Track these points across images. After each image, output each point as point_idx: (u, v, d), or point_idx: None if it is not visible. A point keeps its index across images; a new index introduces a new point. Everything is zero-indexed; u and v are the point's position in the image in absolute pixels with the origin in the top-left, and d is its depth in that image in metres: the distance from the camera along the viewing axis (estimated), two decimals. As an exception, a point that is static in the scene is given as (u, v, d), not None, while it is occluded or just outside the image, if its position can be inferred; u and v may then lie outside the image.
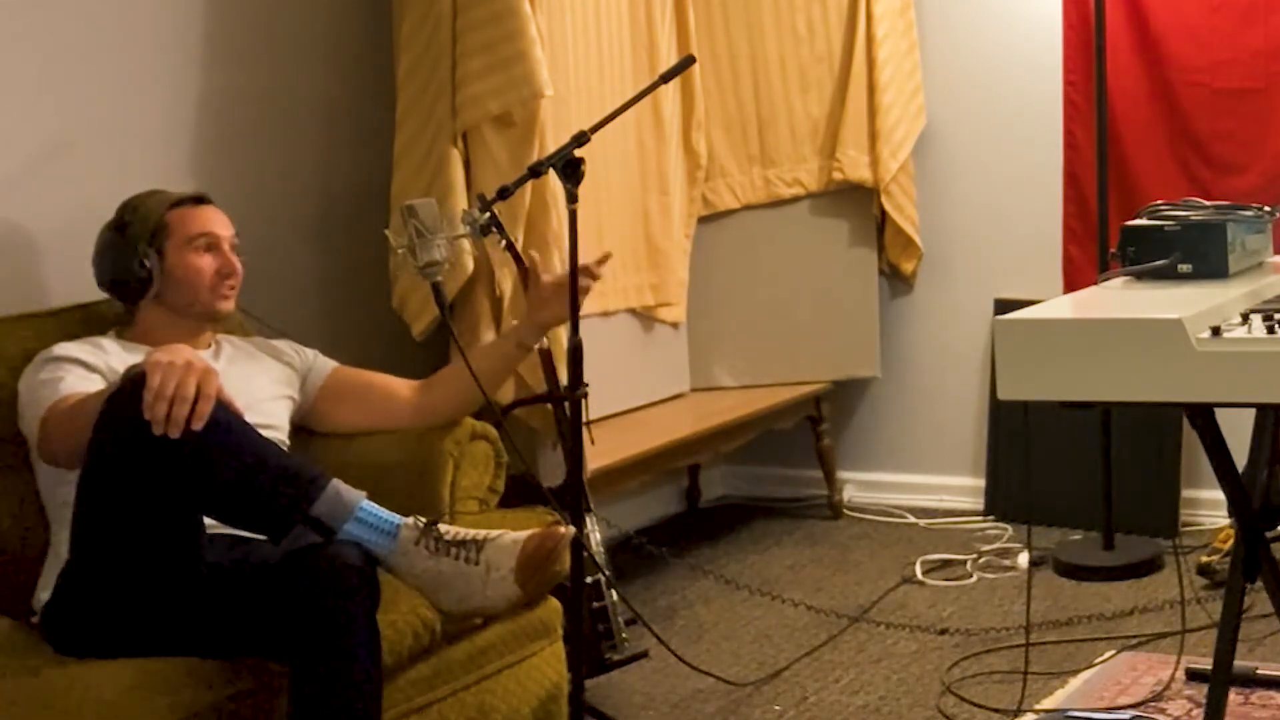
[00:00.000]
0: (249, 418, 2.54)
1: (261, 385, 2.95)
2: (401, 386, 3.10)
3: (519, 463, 3.13)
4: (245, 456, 2.42)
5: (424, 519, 2.53)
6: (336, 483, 2.47)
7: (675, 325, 4.70)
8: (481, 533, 2.53)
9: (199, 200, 2.94)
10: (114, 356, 2.77)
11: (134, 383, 2.37)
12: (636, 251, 4.49)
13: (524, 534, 2.52)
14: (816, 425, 4.87)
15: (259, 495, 2.43)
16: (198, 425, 2.34)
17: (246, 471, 2.41)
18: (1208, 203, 2.51)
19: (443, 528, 2.53)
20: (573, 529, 2.61)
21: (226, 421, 2.42)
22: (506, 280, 3.70)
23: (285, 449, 2.76)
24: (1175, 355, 1.95)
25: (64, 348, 2.76)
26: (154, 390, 2.32)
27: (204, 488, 2.40)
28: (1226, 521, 4.00)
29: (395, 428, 3.06)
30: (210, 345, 2.96)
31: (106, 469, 2.42)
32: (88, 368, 2.72)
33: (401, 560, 2.49)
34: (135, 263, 2.84)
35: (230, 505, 2.45)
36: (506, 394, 3.65)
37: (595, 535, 3.30)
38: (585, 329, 2.95)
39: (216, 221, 2.93)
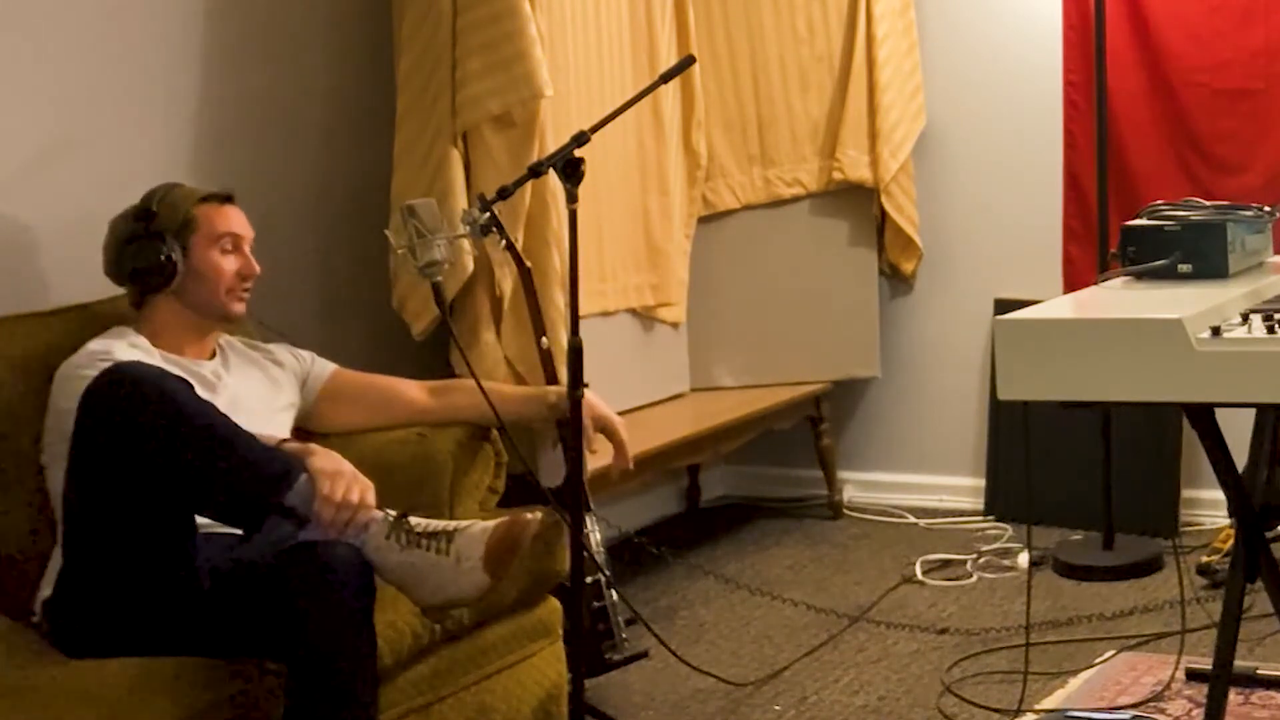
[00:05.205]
0: (258, 429, 2.54)
1: (269, 396, 2.95)
2: (407, 387, 3.10)
3: (519, 463, 3.13)
4: (216, 447, 2.42)
5: (394, 512, 2.54)
6: (309, 474, 2.49)
7: (675, 325, 4.70)
8: (451, 524, 2.56)
9: (226, 199, 2.94)
10: (158, 361, 2.72)
11: (109, 378, 2.41)
12: (636, 251, 4.49)
13: (492, 523, 2.55)
14: (816, 425, 4.87)
15: (230, 486, 2.43)
16: (353, 533, 2.48)
17: (217, 462, 2.41)
18: (1208, 203, 2.51)
19: (413, 520, 2.55)
20: (539, 516, 2.62)
21: (197, 412, 2.43)
22: (506, 280, 3.70)
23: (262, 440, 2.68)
24: (1175, 355, 1.95)
25: (116, 349, 2.71)
26: (325, 496, 2.45)
27: (175, 480, 2.40)
28: (1226, 521, 4.00)
29: (393, 425, 3.06)
30: (214, 352, 2.95)
31: (91, 469, 2.43)
32: None
33: (375, 555, 2.50)
34: (160, 254, 2.82)
35: (202, 497, 2.44)
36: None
37: (595, 535, 3.30)
38: (585, 329, 2.95)
39: (240, 222, 2.93)
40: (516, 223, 3.62)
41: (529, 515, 2.58)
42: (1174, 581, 3.59)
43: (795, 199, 4.85)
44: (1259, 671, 3.19)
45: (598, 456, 3.11)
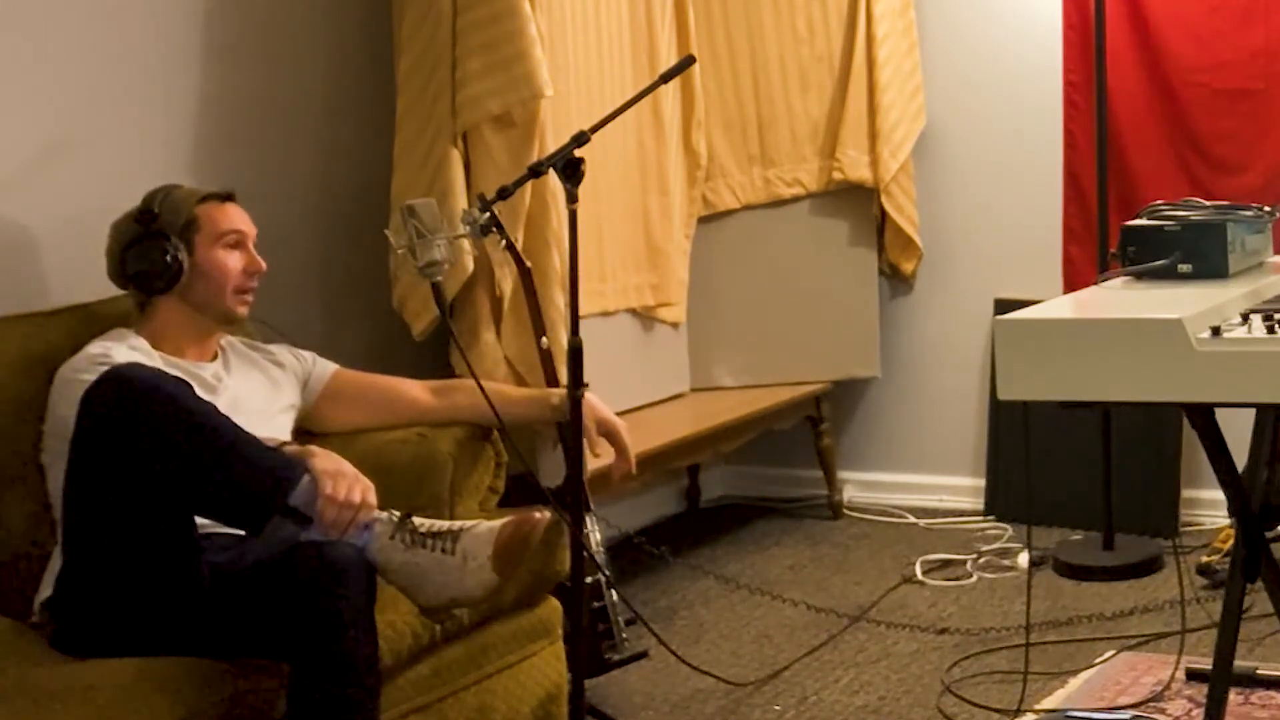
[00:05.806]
0: (260, 430, 2.54)
1: (269, 397, 2.95)
2: (409, 386, 3.10)
3: (519, 463, 3.13)
4: (218, 450, 2.42)
5: (398, 513, 2.54)
6: (311, 475, 2.49)
7: (675, 325, 4.70)
8: (457, 523, 2.56)
9: (226, 197, 2.94)
10: (158, 363, 2.72)
11: (109, 381, 2.40)
12: (636, 251, 4.49)
13: (499, 522, 2.55)
14: (816, 425, 4.87)
15: (233, 488, 2.43)
16: (354, 533, 2.48)
17: (219, 464, 2.41)
18: (1208, 203, 2.51)
19: (417, 520, 2.55)
20: (549, 514, 2.62)
21: (198, 414, 2.43)
22: (506, 280, 3.70)
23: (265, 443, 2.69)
24: (1175, 355, 1.95)
25: (115, 352, 2.71)
26: (328, 496, 2.46)
27: (177, 483, 2.40)
28: (1226, 521, 4.00)
29: (395, 425, 3.06)
30: (215, 354, 2.94)
31: (92, 473, 2.42)
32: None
33: (378, 556, 2.51)
34: (164, 255, 2.81)
35: (204, 499, 2.45)
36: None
37: (595, 535, 3.30)
38: (585, 329, 2.95)
39: (243, 219, 2.93)
40: (516, 223, 3.62)
41: (537, 514, 2.57)
42: (1174, 581, 3.59)
43: (795, 199, 4.85)
44: (1259, 671, 3.19)
45: (599, 458, 3.11)
